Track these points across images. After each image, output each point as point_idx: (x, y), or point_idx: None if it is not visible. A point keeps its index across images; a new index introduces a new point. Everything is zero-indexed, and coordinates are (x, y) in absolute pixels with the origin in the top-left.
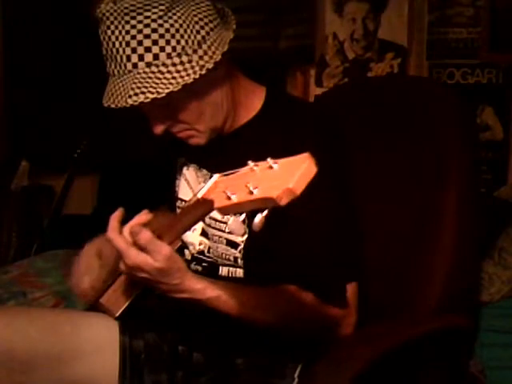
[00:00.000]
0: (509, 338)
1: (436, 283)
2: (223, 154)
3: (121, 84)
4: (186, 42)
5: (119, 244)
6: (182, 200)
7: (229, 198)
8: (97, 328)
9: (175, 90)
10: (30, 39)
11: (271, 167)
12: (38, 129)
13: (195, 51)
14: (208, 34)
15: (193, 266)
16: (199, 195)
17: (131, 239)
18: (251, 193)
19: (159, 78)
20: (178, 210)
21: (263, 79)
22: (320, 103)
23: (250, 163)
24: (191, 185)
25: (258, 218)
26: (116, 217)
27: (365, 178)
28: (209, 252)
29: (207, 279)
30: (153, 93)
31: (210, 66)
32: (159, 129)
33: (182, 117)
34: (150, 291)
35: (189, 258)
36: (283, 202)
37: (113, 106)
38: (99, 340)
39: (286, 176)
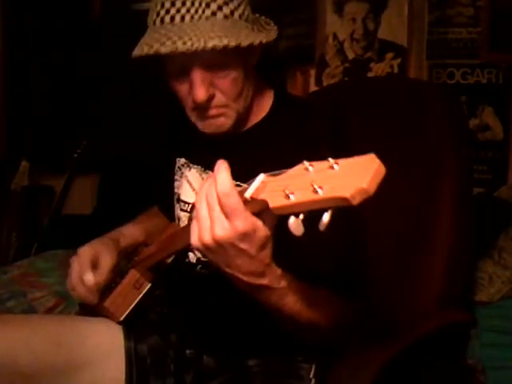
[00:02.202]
0: (509, 338)
1: (434, 282)
2: (232, 155)
3: (195, 28)
4: (249, 13)
5: (236, 200)
6: (184, 202)
7: (287, 198)
8: (100, 335)
9: (255, 43)
10: (30, 39)
11: (332, 167)
12: (38, 129)
13: (254, 23)
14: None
15: (198, 269)
16: (247, 195)
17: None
18: (316, 192)
19: (238, 30)
20: (181, 213)
21: (267, 80)
22: (324, 103)
23: (305, 163)
24: (194, 186)
25: (326, 218)
26: (227, 168)
27: None
28: None
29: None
30: (235, 40)
31: (273, 35)
32: (203, 94)
33: (227, 88)
34: (153, 293)
35: (193, 261)
36: (356, 201)
37: (182, 48)
38: (104, 347)
39: (354, 176)
